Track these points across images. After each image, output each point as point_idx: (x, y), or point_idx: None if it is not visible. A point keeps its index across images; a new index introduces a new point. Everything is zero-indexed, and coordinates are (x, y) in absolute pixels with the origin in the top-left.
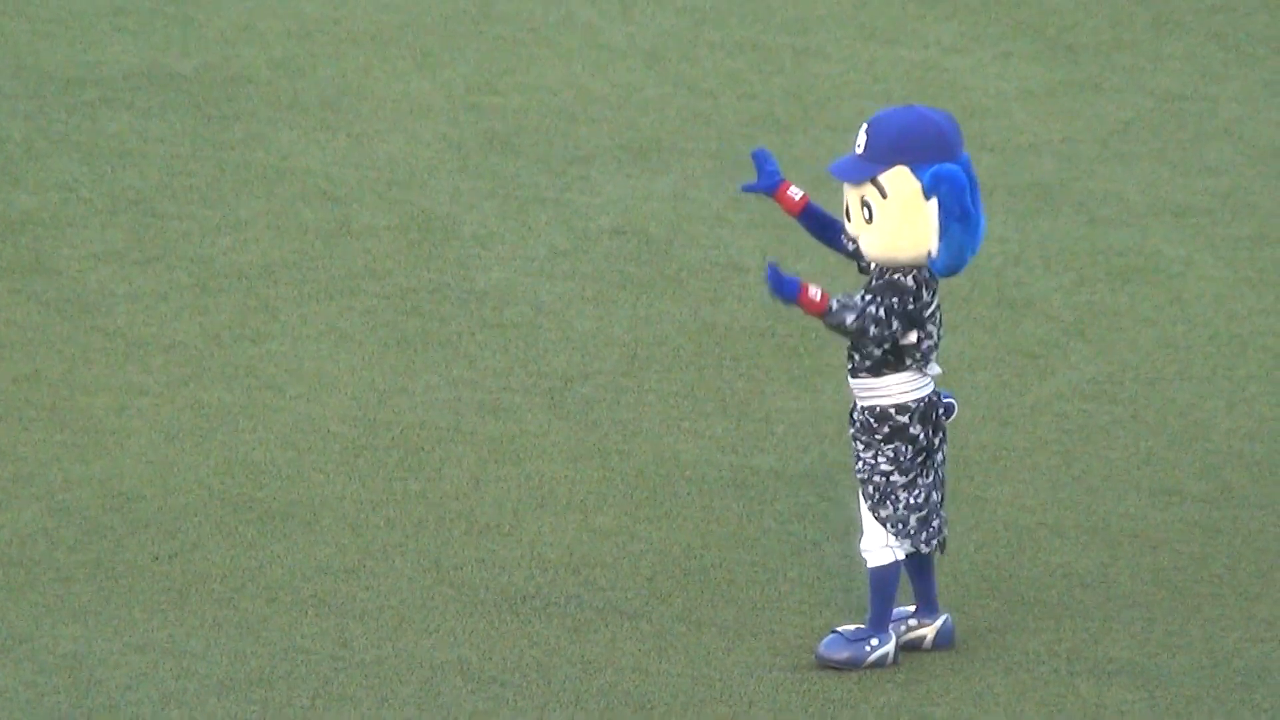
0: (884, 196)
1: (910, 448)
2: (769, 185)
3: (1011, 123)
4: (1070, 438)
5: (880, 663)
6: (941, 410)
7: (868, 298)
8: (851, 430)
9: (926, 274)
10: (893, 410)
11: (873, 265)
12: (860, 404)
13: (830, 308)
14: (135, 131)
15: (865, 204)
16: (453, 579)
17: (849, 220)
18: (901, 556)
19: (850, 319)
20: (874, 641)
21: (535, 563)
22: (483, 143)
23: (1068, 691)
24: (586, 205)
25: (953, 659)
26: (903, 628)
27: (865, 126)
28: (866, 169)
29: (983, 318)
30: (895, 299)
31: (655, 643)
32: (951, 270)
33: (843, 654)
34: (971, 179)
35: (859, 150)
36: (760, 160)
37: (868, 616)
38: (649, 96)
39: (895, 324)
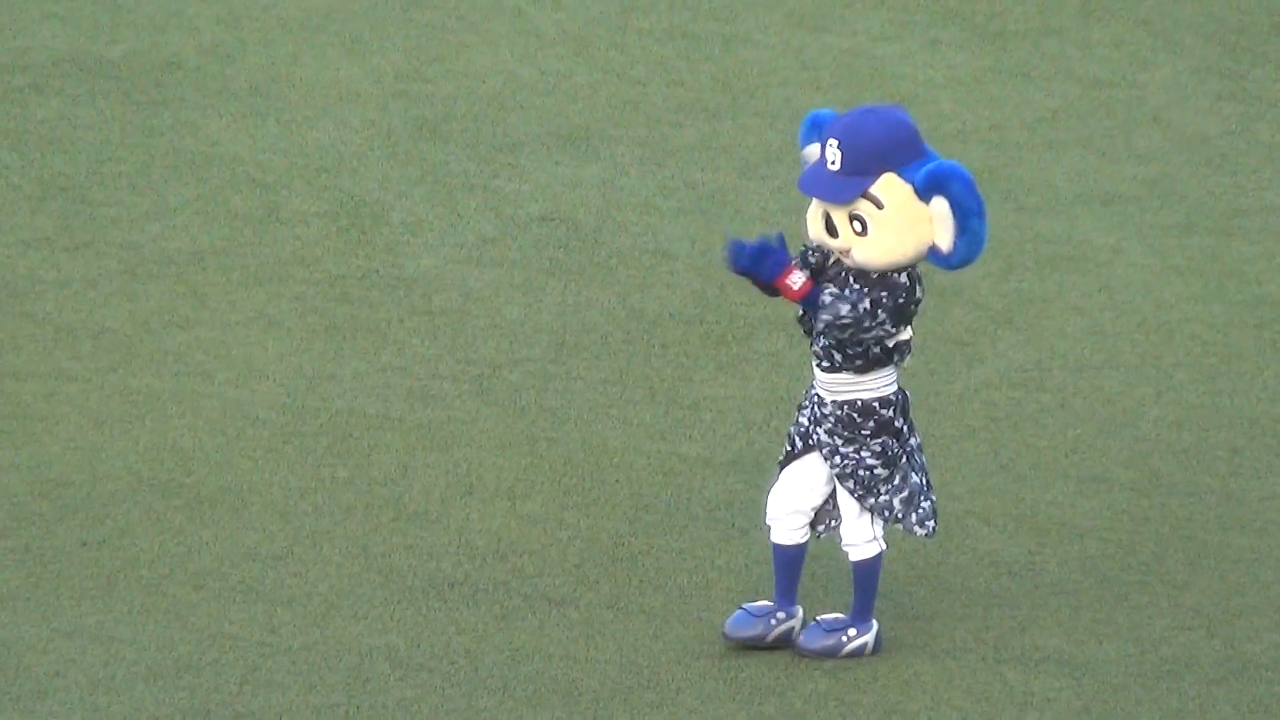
0: (880, 207)
1: (895, 440)
2: (774, 272)
3: (939, 110)
4: (998, 426)
5: (858, 652)
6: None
7: (858, 288)
8: (824, 426)
9: (919, 270)
10: (876, 404)
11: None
12: (832, 399)
13: (821, 300)
14: (64, 118)
15: (856, 217)
16: (381, 566)
17: (831, 236)
18: (885, 548)
19: (845, 309)
20: (851, 631)
21: (463, 550)
22: (412, 130)
23: (995, 679)
24: (515, 192)
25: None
26: (772, 621)
27: (834, 142)
28: (854, 184)
29: None
30: (885, 294)
31: (583, 630)
32: (967, 263)
33: (820, 644)
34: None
35: (834, 166)
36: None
37: (851, 607)
38: (578, 84)
39: (881, 316)
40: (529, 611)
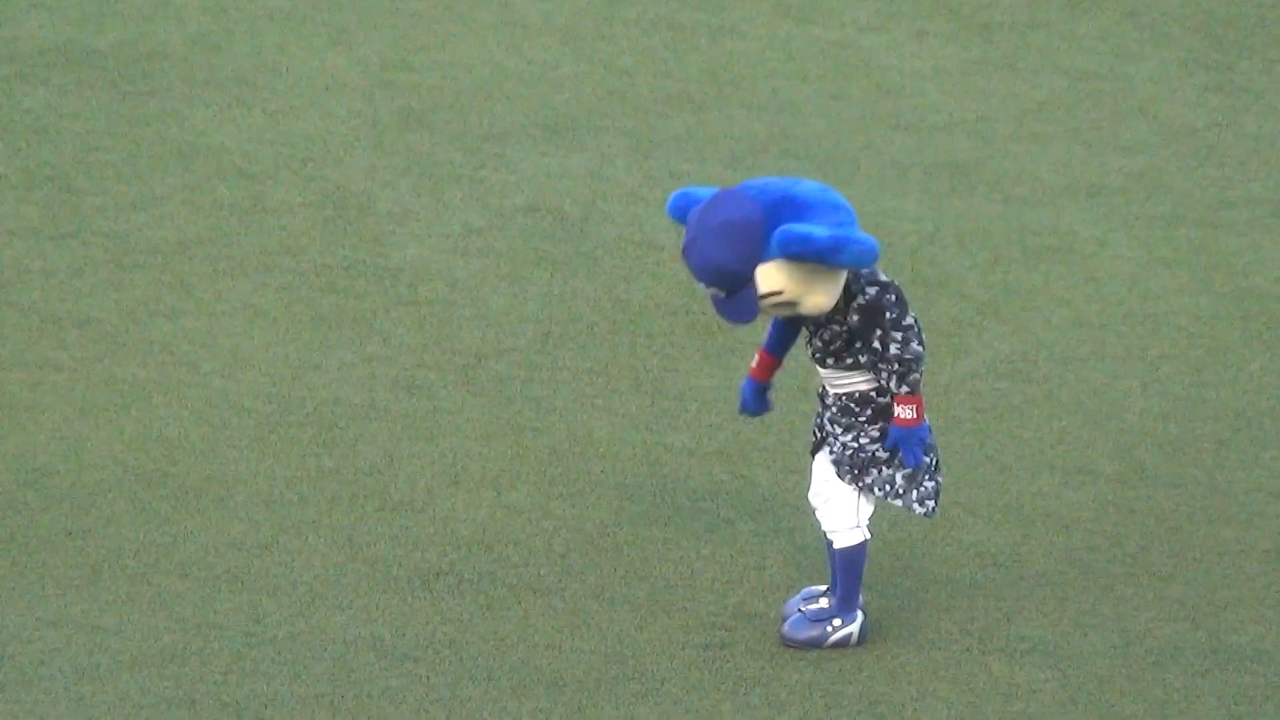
0: (781, 292)
1: None
2: (761, 403)
3: (926, 101)
4: (984, 417)
5: (843, 643)
6: None
7: (893, 335)
8: (827, 414)
9: (873, 270)
10: (873, 393)
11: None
12: (834, 390)
13: (916, 391)
14: (51, 107)
15: (777, 306)
16: (366, 555)
17: (782, 318)
18: (869, 536)
19: (917, 367)
20: (836, 622)
21: (448, 539)
22: (398, 120)
23: (980, 670)
24: (501, 182)
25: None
26: (813, 607)
27: (700, 284)
28: (745, 300)
29: None
30: (892, 313)
31: (568, 620)
32: (867, 264)
33: (805, 634)
34: (792, 199)
35: (720, 295)
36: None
37: (835, 596)
38: (564, 74)
39: (909, 321)
40: (514, 601)
